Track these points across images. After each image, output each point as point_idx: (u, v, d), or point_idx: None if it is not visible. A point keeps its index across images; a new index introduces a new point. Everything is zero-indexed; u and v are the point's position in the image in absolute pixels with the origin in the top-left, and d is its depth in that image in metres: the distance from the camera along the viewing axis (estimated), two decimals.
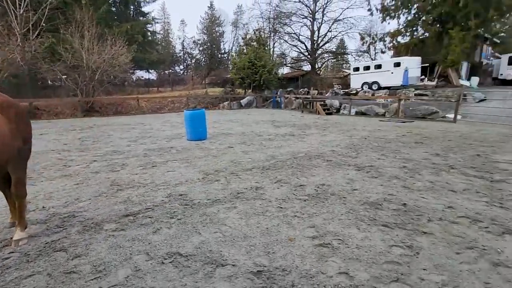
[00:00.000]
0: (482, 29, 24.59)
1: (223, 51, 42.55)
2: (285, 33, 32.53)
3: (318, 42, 31.42)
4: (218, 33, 41.62)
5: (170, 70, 42.20)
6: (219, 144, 7.28)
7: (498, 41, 32.01)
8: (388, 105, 15.60)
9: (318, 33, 30.95)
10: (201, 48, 41.15)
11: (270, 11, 33.74)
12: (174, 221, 2.98)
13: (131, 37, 24.48)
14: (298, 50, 32.67)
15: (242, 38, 27.96)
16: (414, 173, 4.52)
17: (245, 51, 24.07)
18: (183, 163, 5.38)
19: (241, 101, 21.49)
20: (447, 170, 4.66)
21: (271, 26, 35.33)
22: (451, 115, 13.22)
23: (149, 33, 35.27)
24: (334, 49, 37.96)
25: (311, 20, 30.78)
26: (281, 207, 3.30)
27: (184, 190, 3.90)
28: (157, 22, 40.06)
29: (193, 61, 43.04)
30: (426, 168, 4.82)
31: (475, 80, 24.16)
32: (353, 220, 2.97)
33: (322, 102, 16.19)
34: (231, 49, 41.23)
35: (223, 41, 42.81)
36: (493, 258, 2.27)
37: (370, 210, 3.18)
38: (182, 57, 44.18)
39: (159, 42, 39.98)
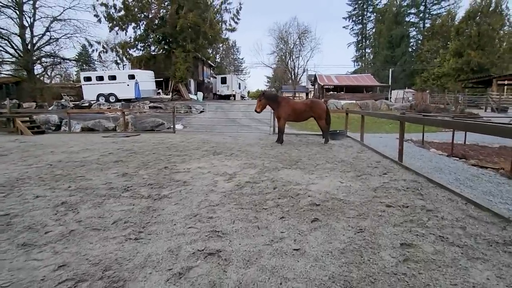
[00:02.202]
0: (200, 53, 30.16)
1: None
2: None
3: (34, 42, 24.92)
4: None
5: None
6: None
7: (213, 65, 41.21)
8: (119, 119, 14.61)
9: (32, 31, 24.50)
10: None
11: None
12: None
13: None
14: (1, 48, 24.21)
15: None
16: (69, 211, 3.41)
17: None
18: None
19: None
20: (118, 196, 3.99)
21: None
22: (177, 126, 14.42)
23: None
24: (76, 55, 32.03)
25: (17, 11, 23.78)
26: None
27: None
28: None
29: None
30: (95, 197, 3.90)
31: (200, 94, 29.13)
32: None
33: (28, 118, 12.28)
34: None
35: None
36: None
37: None
38: None
39: None
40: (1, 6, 23.97)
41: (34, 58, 25.56)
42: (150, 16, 24.14)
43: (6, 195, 3.98)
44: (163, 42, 26.08)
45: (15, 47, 24.25)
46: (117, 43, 24.63)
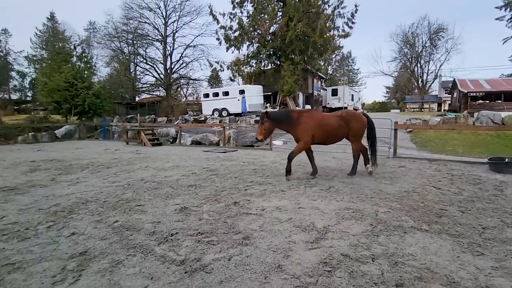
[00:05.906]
0: (309, 64, 28.91)
1: None
2: (136, 54, 29.54)
3: (172, 67, 29.77)
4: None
5: None
6: None
7: (324, 77, 39.17)
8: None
9: (171, 58, 29.37)
10: (38, 66, 32.69)
11: (127, 33, 30.21)
12: None
13: None
14: (151, 74, 30.05)
15: (57, 53, 22.36)
16: (70, 275, 2.42)
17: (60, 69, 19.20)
18: None
19: (56, 131, 16.56)
20: (148, 251, 2.83)
21: (130, 49, 31.54)
22: (276, 142, 13.34)
23: None
24: (208, 77, 37.33)
25: (163, 43, 29.01)
26: None
27: None
28: None
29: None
30: (121, 250, 2.86)
31: (308, 108, 27.72)
32: None
33: (150, 131, 13.83)
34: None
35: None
36: None
37: None
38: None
39: None
40: (153, 40, 29.92)
41: (171, 80, 30.50)
42: (261, 32, 24.71)
43: (48, 227, 3.46)
44: (273, 56, 26.22)
45: (158, 72, 29.65)
46: (232, 61, 26.29)
